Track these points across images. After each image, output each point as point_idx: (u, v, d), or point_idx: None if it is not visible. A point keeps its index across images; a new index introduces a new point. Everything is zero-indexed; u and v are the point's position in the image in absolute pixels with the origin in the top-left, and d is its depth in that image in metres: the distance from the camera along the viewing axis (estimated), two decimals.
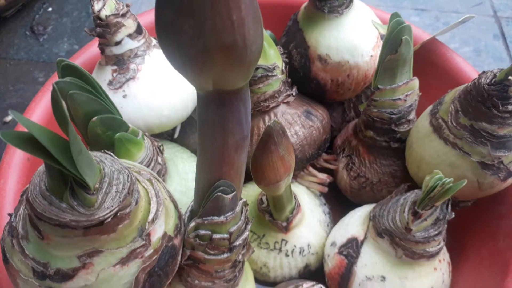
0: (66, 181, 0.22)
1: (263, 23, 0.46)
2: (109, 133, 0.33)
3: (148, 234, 0.26)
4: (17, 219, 0.25)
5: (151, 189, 0.27)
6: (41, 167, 0.23)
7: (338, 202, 0.46)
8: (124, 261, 0.24)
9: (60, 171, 0.21)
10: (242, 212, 0.30)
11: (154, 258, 0.26)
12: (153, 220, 0.26)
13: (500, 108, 0.30)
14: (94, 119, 0.31)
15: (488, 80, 0.31)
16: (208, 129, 0.25)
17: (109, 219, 0.23)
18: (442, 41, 0.47)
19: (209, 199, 0.28)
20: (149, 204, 0.26)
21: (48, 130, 0.19)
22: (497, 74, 0.30)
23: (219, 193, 0.27)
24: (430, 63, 0.46)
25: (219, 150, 0.26)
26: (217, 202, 0.28)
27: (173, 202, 0.30)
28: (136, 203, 0.25)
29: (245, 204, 0.31)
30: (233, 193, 0.28)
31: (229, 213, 0.28)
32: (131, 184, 0.24)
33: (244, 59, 0.21)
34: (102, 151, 0.26)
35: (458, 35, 0.69)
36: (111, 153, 0.26)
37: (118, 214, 0.23)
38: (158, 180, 0.30)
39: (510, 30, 0.70)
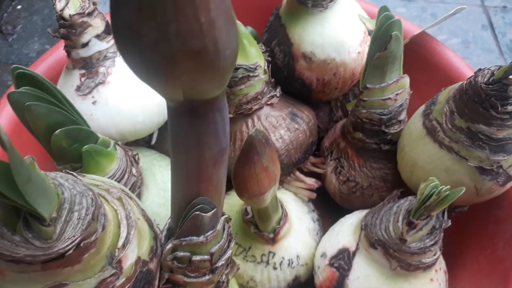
0: (19, 210, 0.19)
1: (243, 18, 0.43)
2: (76, 145, 0.30)
3: (119, 261, 0.23)
4: None
5: (121, 210, 0.24)
6: None
7: (328, 208, 0.44)
8: None
9: None
10: (224, 229, 0.27)
11: (127, 286, 0.23)
12: (123, 246, 0.23)
13: (499, 109, 0.28)
14: (57, 132, 0.28)
15: (485, 79, 0.28)
16: (181, 143, 0.23)
17: (71, 251, 0.20)
18: (430, 33, 0.45)
19: (186, 218, 0.25)
20: (119, 227, 0.24)
21: None
22: (495, 72, 0.28)
23: (197, 212, 0.25)
24: (420, 58, 0.44)
25: (194, 165, 0.23)
26: (196, 221, 0.25)
27: (148, 222, 0.27)
28: (103, 229, 0.22)
29: (227, 220, 0.28)
30: (213, 210, 0.25)
31: (210, 232, 0.26)
32: (96, 208, 0.21)
33: (217, 66, 0.18)
34: (64, 171, 0.23)
35: (446, 27, 0.68)
36: (74, 173, 0.23)
37: (82, 244, 0.21)
38: (130, 197, 0.27)
39: (498, 20, 0.68)
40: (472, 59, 0.63)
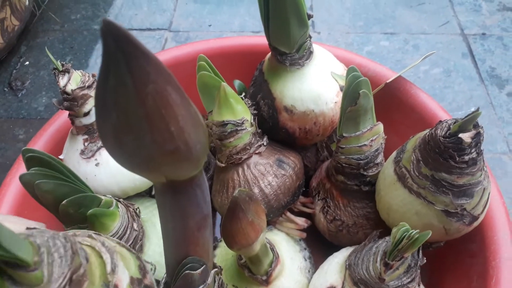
0: None
1: (232, 72, 0.46)
2: (82, 210, 0.34)
3: (115, 286, 0.24)
4: None
5: (95, 243, 0.26)
6: None
7: (319, 244, 0.47)
8: None
9: None
10: (215, 281, 0.30)
11: None
12: (113, 270, 0.24)
13: (457, 159, 0.31)
14: (64, 202, 0.32)
15: (443, 132, 0.31)
16: (167, 214, 0.26)
17: (67, 287, 0.21)
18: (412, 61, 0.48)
19: (178, 276, 0.28)
20: (101, 256, 0.25)
21: None
22: (451, 126, 0.31)
23: (187, 271, 0.28)
24: (396, 100, 0.47)
25: (181, 232, 0.27)
26: (186, 279, 0.28)
27: (124, 247, 0.28)
28: (87, 260, 0.23)
29: (217, 272, 0.31)
30: (202, 267, 0.28)
31: (201, 287, 0.29)
32: (71, 243, 0.22)
33: (190, 158, 0.21)
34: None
35: (428, 57, 0.70)
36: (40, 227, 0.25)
37: (73, 278, 0.21)
38: (98, 234, 0.28)
39: (478, 47, 0.71)
40: (454, 88, 0.66)
